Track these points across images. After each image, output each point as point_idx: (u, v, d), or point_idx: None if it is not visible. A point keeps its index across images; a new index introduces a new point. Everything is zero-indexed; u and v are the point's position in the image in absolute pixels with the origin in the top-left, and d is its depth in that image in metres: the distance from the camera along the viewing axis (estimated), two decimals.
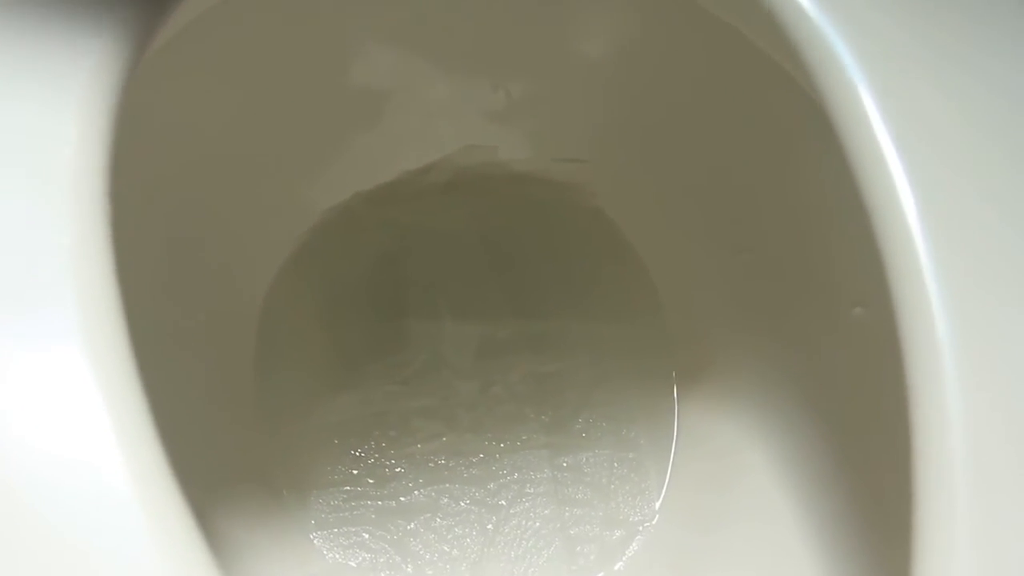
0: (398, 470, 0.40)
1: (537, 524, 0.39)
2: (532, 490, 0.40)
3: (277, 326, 0.41)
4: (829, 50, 0.27)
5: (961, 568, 0.22)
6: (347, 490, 0.39)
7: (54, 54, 0.26)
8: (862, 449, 0.31)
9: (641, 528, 0.39)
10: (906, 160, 0.25)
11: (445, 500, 0.40)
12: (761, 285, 0.38)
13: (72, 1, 0.27)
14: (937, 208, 0.24)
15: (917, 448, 0.23)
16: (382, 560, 0.38)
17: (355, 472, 0.40)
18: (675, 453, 0.40)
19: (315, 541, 0.38)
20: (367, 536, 0.39)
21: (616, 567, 0.39)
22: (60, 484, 0.21)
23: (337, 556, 0.38)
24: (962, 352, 0.23)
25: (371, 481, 0.40)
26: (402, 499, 0.39)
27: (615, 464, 0.40)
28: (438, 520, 0.39)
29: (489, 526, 0.39)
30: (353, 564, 0.38)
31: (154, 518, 0.21)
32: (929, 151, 0.25)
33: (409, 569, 0.38)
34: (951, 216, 0.24)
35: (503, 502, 0.40)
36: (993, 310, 0.24)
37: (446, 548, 0.39)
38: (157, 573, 0.21)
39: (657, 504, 0.40)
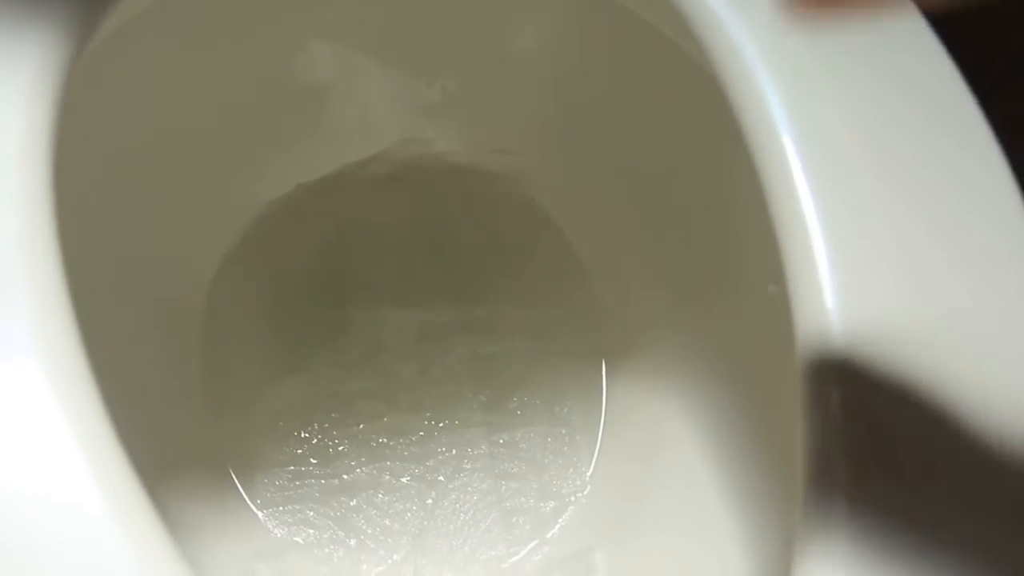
0: (341, 449, 0.41)
1: (475, 498, 0.41)
2: (469, 466, 0.42)
3: (222, 315, 0.42)
4: (730, 42, 0.29)
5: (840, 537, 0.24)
6: (292, 470, 0.41)
7: None
8: (772, 421, 0.33)
9: (573, 498, 0.41)
10: (801, 147, 0.27)
11: (386, 477, 0.41)
12: (684, 266, 0.40)
13: None
14: (829, 183, 0.27)
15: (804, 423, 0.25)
16: (327, 536, 0.40)
17: (299, 452, 0.41)
18: (604, 427, 0.42)
19: (262, 519, 0.40)
20: (312, 513, 0.40)
21: (549, 535, 0.41)
22: (18, 480, 0.22)
23: (283, 533, 0.40)
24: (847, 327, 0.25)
25: (315, 461, 0.41)
26: (345, 477, 0.41)
27: (548, 439, 0.42)
28: (380, 496, 0.41)
29: (429, 501, 0.41)
30: (299, 540, 0.40)
31: (115, 507, 0.22)
32: (824, 140, 0.27)
33: (352, 543, 0.40)
34: (844, 198, 0.27)
35: (442, 478, 0.41)
36: (877, 278, 0.26)
37: (388, 522, 0.40)
38: (123, 562, 0.21)
39: (588, 475, 0.42)
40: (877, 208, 0.27)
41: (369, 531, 0.40)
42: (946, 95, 0.29)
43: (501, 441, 0.42)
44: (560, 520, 0.41)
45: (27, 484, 0.22)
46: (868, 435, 0.24)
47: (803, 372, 0.25)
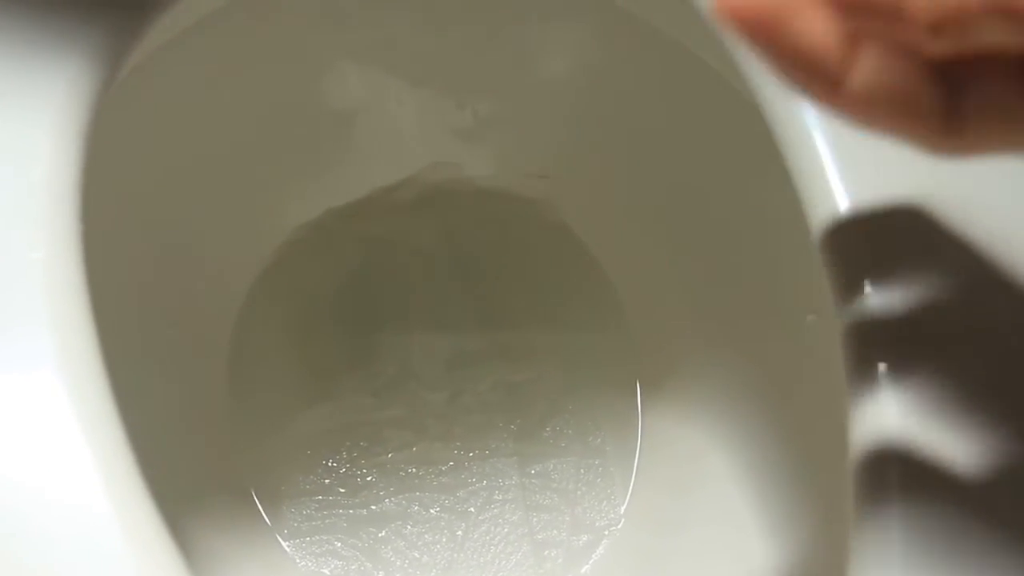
0: (369, 479, 0.41)
1: (505, 530, 0.40)
2: (500, 497, 0.41)
3: (250, 341, 0.42)
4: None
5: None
6: (319, 499, 0.40)
7: (27, 72, 0.27)
8: (814, 456, 0.32)
9: (607, 532, 0.40)
10: (845, 174, 0.26)
11: (415, 508, 0.40)
12: (721, 295, 0.39)
13: (47, 20, 0.27)
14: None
15: (854, 458, 0.24)
16: (354, 567, 0.39)
17: (327, 481, 0.41)
18: (639, 459, 0.41)
19: (288, 550, 0.39)
20: (339, 544, 0.39)
21: (582, 571, 0.40)
22: (35, 503, 0.22)
23: (310, 564, 0.39)
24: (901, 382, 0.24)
25: (343, 490, 0.40)
26: (373, 507, 0.40)
27: (581, 470, 0.41)
28: (408, 527, 0.40)
29: (459, 532, 0.40)
30: (326, 572, 0.39)
31: (131, 534, 0.22)
32: (867, 164, 0.27)
33: (381, 575, 0.39)
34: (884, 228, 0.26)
35: (472, 509, 0.40)
36: (927, 316, 0.25)
37: (416, 555, 0.40)
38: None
39: (622, 509, 0.41)
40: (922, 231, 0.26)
41: (398, 563, 0.39)
42: None
43: (533, 472, 0.41)
44: (594, 555, 0.40)
45: (42, 503, 0.22)
46: (925, 479, 0.23)
47: (853, 415, 0.24)
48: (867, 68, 0.17)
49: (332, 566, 0.39)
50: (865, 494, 0.23)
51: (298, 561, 0.39)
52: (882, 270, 0.26)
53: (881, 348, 0.25)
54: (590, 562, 0.40)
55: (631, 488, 0.41)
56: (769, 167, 0.29)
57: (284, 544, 0.39)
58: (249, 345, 0.42)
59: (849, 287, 0.26)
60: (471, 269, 0.45)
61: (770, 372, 0.36)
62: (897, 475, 0.23)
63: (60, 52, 0.27)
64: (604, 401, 0.42)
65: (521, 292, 0.44)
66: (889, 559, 0.22)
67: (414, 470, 0.41)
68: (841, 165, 0.27)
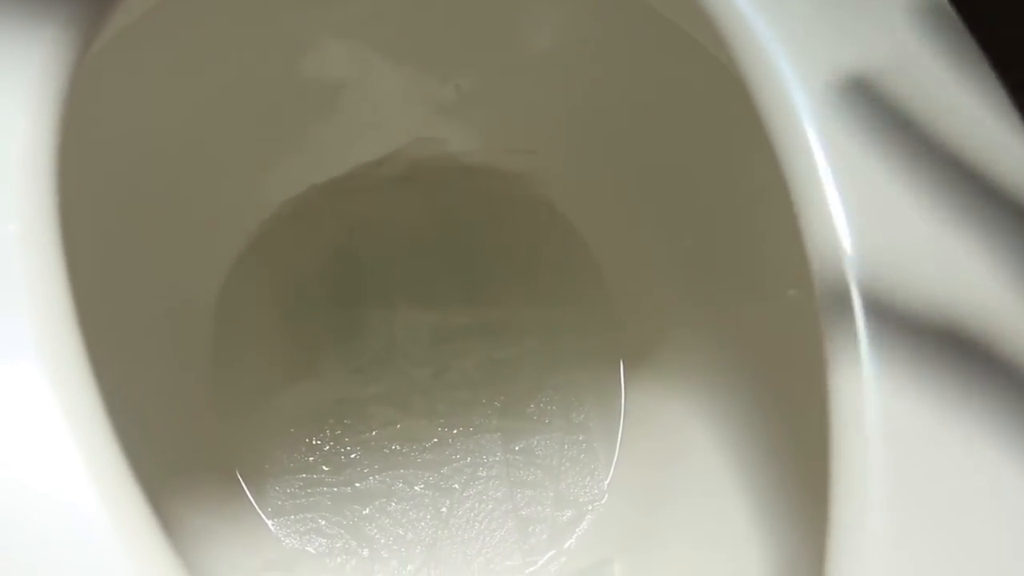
0: (353, 456, 0.41)
1: (490, 506, 0.40)
2: (484, 473, 0.41)
3: (233, 317, 0.42)
4: (758, 44, 0.28)
5: (872, 546, 0.23)
6: (303, 477, 0.40)
7: (1, 44, 0.26)
8: (796, 427, 0.32)
9: (591, 507, 0.40)
10: (830, 152, 0.26)
11: (399, 485, 0.40)
12: (703, 269, 0.39)
13: None
14: (859, 198, 0.26)
15: (834, 430, 0.24)
16: (339, 545, 0.39)
17: (311, 459, 0.40)
18: (623, 434, 0.41)
19: (272, 528, 0.39)
20: (323, 522, 0.39)
21: (567, 546, 0.40)
22: (18, 492, 0.21)
23: (294, 542, 0.39)
24: (879, 336, 0.24)
25: (327, 468, 0.40)
26: (357, 485, 0.40)
27: (565, 446, 0.41)
28: (393, 505, 0.40)
29: (443, 509, 0.40)
30: (311, 550, 0.39)
31: (117, 519, 0.21)
32: (853, 143, 0.26)
33: (365, 553, 0.39)
34: (872, 204, 0.26)
35: (456, 486, 0.40)
36: (909, 293, 0.25)
37: (401, 532, 0.39)
38: (119, 566, 0.21)
39: (606, 484, 0.41)
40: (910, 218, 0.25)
41: (382, 540, 0.39)
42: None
43: (517, 448, 0.41)
44: (578, 529, 0.40)
45: (26, 488, 0.21)
46: (905, 445, 0.23)
47: (832, 385, 0.24)
48: None
49: (316, 544, 0.39)
50: (845, 466, 0.23)
51: (282, 539, 0.39)
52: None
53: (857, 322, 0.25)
54: (574, 537, 0.40)
55: (615, 463, 0.41)
56: (754, 145, 0.29)
57: (268, 522, 0.39)
58: (232, 322, 0.42)
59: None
60: (455, 245, 0.44)
61: (752, 346, 0.36)
62: (877, 446, 0.23)
63: (34, 21, 0.27)
64: (588, 376, 0.42)
65: (506, 268, 0.44)
66: (871, 532, 0.22)
67: (398, 447, 0.41)
68: (827, 144, 0.26)
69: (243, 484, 0.39)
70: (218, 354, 0.41)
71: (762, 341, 0.36)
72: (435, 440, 0.41)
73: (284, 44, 0.39)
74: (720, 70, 0.31)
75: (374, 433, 0.41)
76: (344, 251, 0.44)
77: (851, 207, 0.25)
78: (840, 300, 0.25)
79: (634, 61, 0.38)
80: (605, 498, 0.40)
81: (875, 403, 0.23)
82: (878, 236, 0.25)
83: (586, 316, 0.43)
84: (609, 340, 0.43)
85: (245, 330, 0.42)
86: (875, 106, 0.27)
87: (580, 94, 0.41)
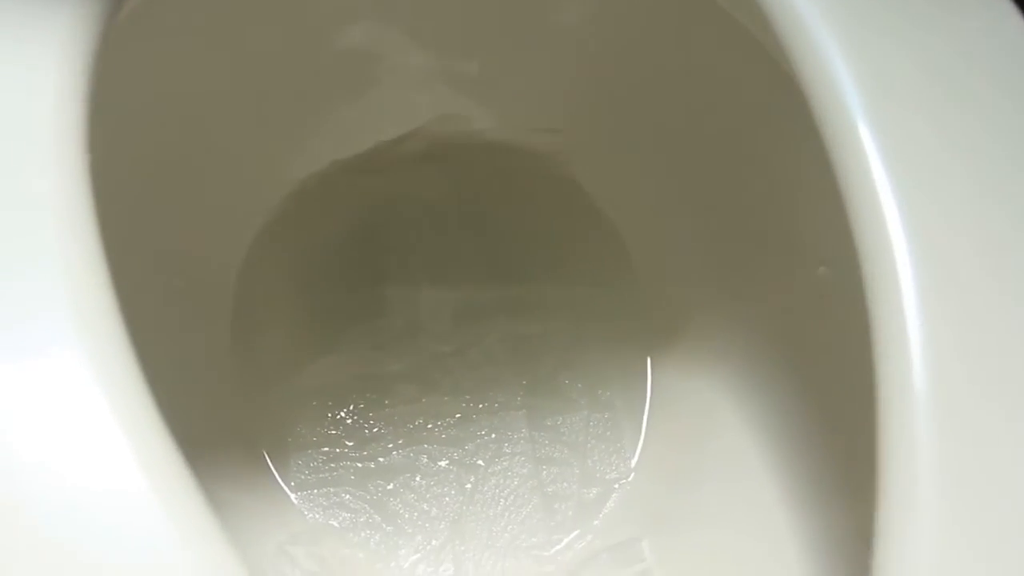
0: (376, 431, 0.40)
1: (515, 483, 0.40)
2: (510, 450, 0.41)
3: (255, 292, 0.41)
4: (797, 16, 0.28)
5: (923, 522, 0.22)
6: (327, 451, 0.40)
7: (31, 6, 0.26)
8: (831, 406, 0.32)
9: (617, 485, 0.40)
10: (873, 121, 0.26)
11: (424, 460, 0.40)
12: (731, 247, 0.39)
13: None
14: (904, 167, 0.25)
15: (881, 406, 0.24)
16: (363, 520, 0.39)
17: (334, 433, 0.40)
18: (649, 412, 0.41)
19: (296, 502, 0.39)
20: (348, 496, 0.39)
21: (593, 524, 0.40)
22: (66, 474, 0.21)
23: (318, 516, 0.39)
24: (927, 311, 0.24)
25: (350, 443, 0.40)
26: (381, 460, 0.40)
27: (591, 424, 0.41)
28: (417, 480, 0.40)
29: (468, 485, 0.40)
30: (335, 524, 0.39)
31: (166, 497, 0.21)
32: (897, 111, 0.26)
33: (389, 528, 0.39)
34: (919, 174, 0.25)
35: (481, 462, 0.40)
36: (959, 268, 0.24)
37: (425, 507, 0.39)
38: (173, 548, 0.21)
39: (633, 462, 0.41)
40: (959, 199, 0.25)
41: (407, 515, 0.39)
42: None
43: (542, 425, 0.41)
44: (604, 507, 0.40)
45: (77, 476, 0.21)
46: (957, 429, 0.23)
47: (880, 369, 0.24)
48: None
49: (340, 518, 0.39)
50: (893, 453, 0.23)
51: (306, 513, 0.39)
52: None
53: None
54: (600, 515, 0.40)
55: (641, 441, 0.41)
56: (789, 118, 0.29)
57: (292, 496, 0.39)
58: (253, 298, 0.41)
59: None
60: (479, 222, 0.44)
61: (782, 325, 0.36)
62: (927, 433, 0.23)
63: None
64: (613, 354, 0.42)
65: (529, 245, 0.44)
66: (920, 522, 0.22)
67: (422, 422, 0.41)
68: (872, 113, 0.26)
69: (267, 458, 0.39)
70: (239, 329, 0.41)
71: (792, 320, 0.35)
72: (459, 416, 0.41)
73: (309, 21, 0.39)
74: (749, 40, 0.31)
75: (398, 408, 0.41)
76: (366, 228, 0.44)
77: (900, 187, 0.25)
78: (887, 276, 0.25)
79: (659, 34, 0.38)
80: (632, 476, 0.40)
81: (924, 379, 0.23)
82: (928, 218, 0.25)
83: (611, 294, 0.43)
84: (635, 318, 0.43)
85: (266, 306, 0.42)
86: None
87: (607, 72, 0.40)
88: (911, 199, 0.25)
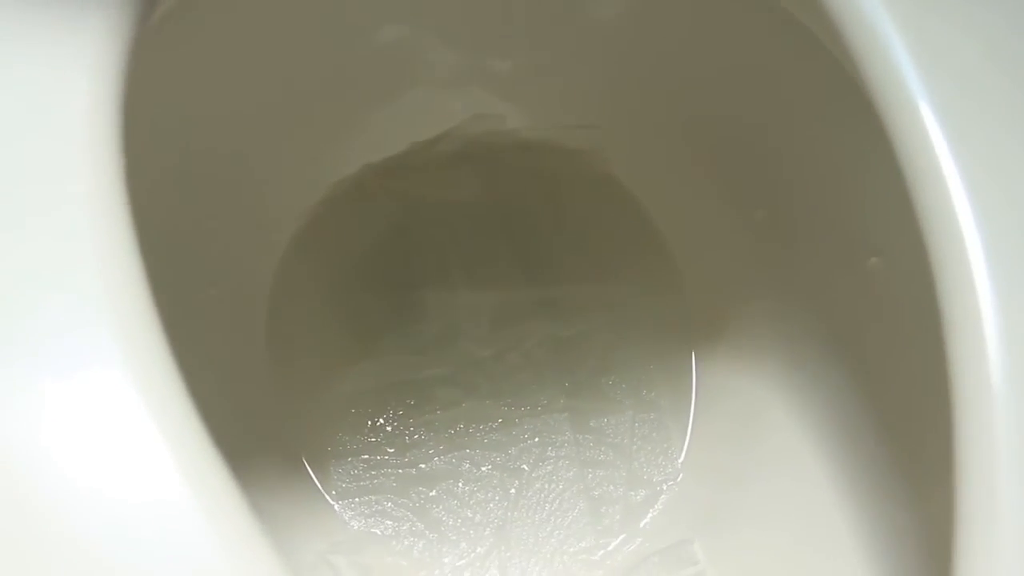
0: (417, 437, 0.40)
1: (560, 487, 0.39)
2: (554, 453, 0.40)
3: (290, 299, 0.41)
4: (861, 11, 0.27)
5: (1010, 521, 0.21)
6: (367, 459, 0.39)
7: (64, 9, 0.26)
8: (890, 399, 0.31)
9: (665, 487, 0.39)
10: (935, 102, 0.25)
11: (466, 466, 0.39)
12: (777, 242, 0.38)
13: None
14: (968, 150, 0.24)
15: (956, 397, 0.23)
16: (406, 527, 0.38)
17: (374, 441, 0.40)
18: (696, 412, 0.40)
19: (338, 510, 0.38)
20: (390, 504, 0.39)
21: (641, 526, 0.39)
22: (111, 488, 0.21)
23: (360, 524, 0.38)
24: (1001, 302, 0.23)
25: (391, 450, 0.40)
26: (423, 466, 0.39)
27: (636, 425, 0.40)
28: (460, 486, 0.39)
29: (512, 490, 0.39)
30: (377, 532, 0.38)
31: (215, 516, 0.21)
32: (960, 94, 0.25)
33: (433, 536, 0.38)
34: (985, 159, 0.24)
35: (525, 466, 0.40)
36: None
37: (469, 513, 0.39)
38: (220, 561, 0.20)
39: (680, 463, 0.40)
40: None
41: (450, 522, 0.38)
42: None
43: (586, 427, 0.40)
44: (652, 510, 0.39)
45: (116, 482, 0.21)
46: None
47: (954, 365, 0.23)
48: None
49: (383, 526, 0.38)
50: (970, 450, 0.22)
51: (349, 521, 0.38)
52: None
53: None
54: (648, 517, 0.39)
55: (687, 442, 0.40)
56: (842, 107, 0.28)
57: (334, 505, 0.38)
58: (289, 304, 0.41)
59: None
60: (515, 223, 0.43)
61: (831, 319, 0.35)
62: (1007, 429, 0.22)
63: None
64: (656, 354, 0.41)
65: (568, 245, 0.43)
66: (1003, 522, 0.21)
67: (463, 427, 0.40)
68: (933, 95, 0.25)
69: (307, 466, 0.39)
70: (276, 337, 0.40)
71: (842, 314, 0.34)
72: (501, 420, 0.40)
73: (341, 23, 0.39)
74: (803, 30, 0.30)
75: (438, 414, 0.40)
76: (401, 231, 0.43)
77: (967, 171, 0.24)
78: (957, 262, 0.24)
79: (699, 27, 0.37)
80: (680, 477, 0.39)
81: (1001, 373, 0.22)
82: (997, 204, 0.24)
83: (653, 292, 0.42)
84: (678, 316, 0.42)
85: (302, 312, 0.41)
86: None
87: (644, 64, 0.40)
88: (978, 184, 0.24)
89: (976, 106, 0.25)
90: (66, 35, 0.25)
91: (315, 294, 0.42)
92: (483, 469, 0.39)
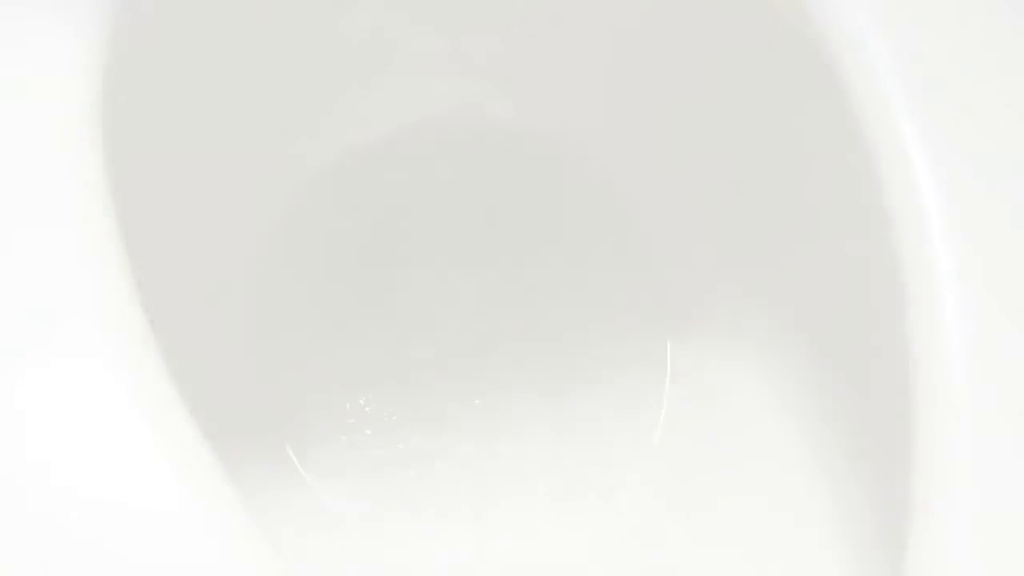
0: (395, 419, 0.40)
1: (537, 467, 0.40)
2: (531, 434, 0.40)
3: (273, 283, 0.41)
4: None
5: (961, 497, 0.22)
6: (345, 439, 0.40)
7: (44, 4, 0.26)
8: (856, 380, 0.32)
9: (639, 468, 0.40)
10: (909, 98, 0.25)
11: (445, 447, 0.40)
12: (750, 225, 0.39)
13: None
14: (936, 138, 0.25)
15: (914, 377, 0.24)
16: (383, 507, 0.39)
17: (353, 421, 0.40)
18: (670, 394, 0.41)
19: (316, 490, 0.39)
20: (368, 484, 0.39)
21: (615, 506, 0.39)
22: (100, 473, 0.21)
23: (339, 504, 0.39)
24: (962, 283, 0.24)
25: (369, 431, 0.40)
26: (401, 447, 0.40)
27: (612, 407, 0.41)
28: (437, 466, 0.40)
29: (489, 471, 0.40)
30: (355, 512, 0.39)
31: (199, 496, 0.21)
32: (930, 85, 0.26)
33: (411, 515, 0.39)
34: (952, 147, 0.25)
35: (502, 448, 0.40)
36: (993, 235, 0.24)
37: (447, 494, 0.39)
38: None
39: (654, 444, 0.41)
40: (993, 169, 0.25)
41: (427, 502, 0.39)
42: None
43: (562, 409, 0.41)
44: (626, 490, 0.40)
45: (101, 465, 0.21)
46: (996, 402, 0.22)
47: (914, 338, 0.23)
48: None
49: (360, 506, 0.39)
50: (929, 430, 0.22)
51: (326, 501, 0.39)
52: None
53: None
54: (623, 498, 0.40)
55: (662, 424, 0.41)
56: (819, 95, 0.28)
57: (311, 484, 0.39)
58: (272, 287, 0.41)
59: None
60: (495, 208, 0.44)
61: (802, 302, 0.36)
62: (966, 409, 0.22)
63: None
64: (632, 338, 0.42)
65: (547, 230, 0.43)
66: (960, 503, 0.22)
67: (441, 409, 0.41)
68: (912, 99, 0.26)
69: (287, 447, 0.39)
70: (259, 320, 0.41)
71: (816, 296, 0.35)
72: (479, 403, 0.41)
73: (323, 9, 0.39)
74: (781, 23, 0.31)
75: (417, 396, 0.41)
76: (383, 216, 0.44)
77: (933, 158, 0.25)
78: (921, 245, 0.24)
79: (678, 15, 0.38)
80: (654, 459, 0.40)
81: (960, 350, 0.23)
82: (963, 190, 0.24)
83: (630, 276, 0.43)
84: (654, 300, 0.42)
85: (285, 296, 0.42)
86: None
87: (624, 54, 0.40)
88: (943, 166, 0.25)
89: (947, 102, 0.26)
90: (46, 25, 0.25)
91: (298, 278, 0.42)
92: (460, 450, 0.40)
